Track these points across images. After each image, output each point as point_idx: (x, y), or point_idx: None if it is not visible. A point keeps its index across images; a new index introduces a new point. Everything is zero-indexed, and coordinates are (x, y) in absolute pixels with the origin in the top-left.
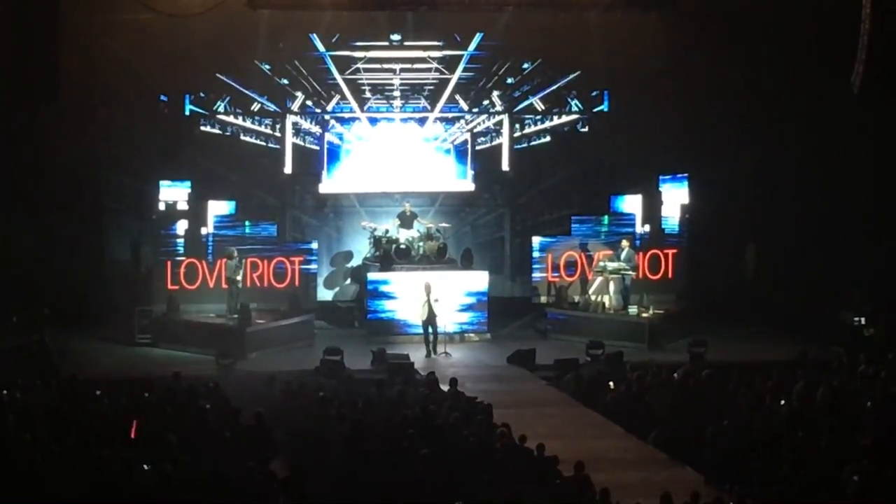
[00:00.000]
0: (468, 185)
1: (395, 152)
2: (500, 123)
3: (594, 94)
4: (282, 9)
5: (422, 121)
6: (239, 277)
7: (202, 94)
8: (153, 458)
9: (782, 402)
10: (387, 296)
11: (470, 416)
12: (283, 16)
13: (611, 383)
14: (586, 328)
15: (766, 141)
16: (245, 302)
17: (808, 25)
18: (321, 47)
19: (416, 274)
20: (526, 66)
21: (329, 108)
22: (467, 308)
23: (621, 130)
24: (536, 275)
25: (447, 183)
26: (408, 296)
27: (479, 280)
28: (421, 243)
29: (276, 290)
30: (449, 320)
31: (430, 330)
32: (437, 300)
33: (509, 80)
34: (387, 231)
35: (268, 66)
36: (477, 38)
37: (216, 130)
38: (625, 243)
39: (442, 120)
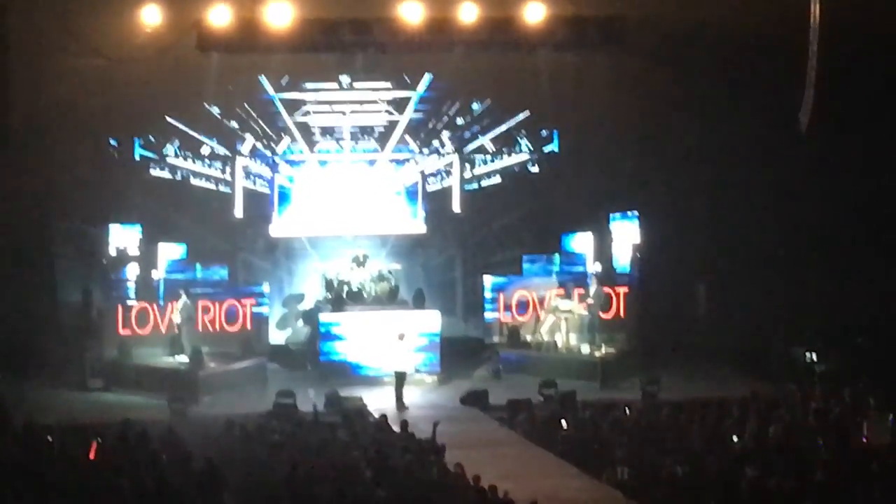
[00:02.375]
0: (419, 227)
1: (346, 194)
2: (450, 164)
3: (544, 133)
4: (230, 52)
5: (372, 162)
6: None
7: (152, 138)
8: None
9: (735, 439)
10: (339, 338)
11: (423, 458)
12: (232, 58)
13: (564, 422)
14: (539, 368)
15: (716, 177)
16: (197, 346)
17: (756, 64)
18: (270, 90)
19: (368, 315)
20: (476, 106)
21: (279, 150)
22: (420, 349)
23: (571, 169)
24: (489, 315)
25: (398, 224)
26: (360, 338)
27: (431, 321)
28: (373, 285)
29: (227, 334)
30: (401, 361)
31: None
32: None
33: (459, 121)
34: (338, 273)
35: (217, 109)
36: (426, 79)
37: (166, 174)
38: (594, 280)
39: (392, 161)
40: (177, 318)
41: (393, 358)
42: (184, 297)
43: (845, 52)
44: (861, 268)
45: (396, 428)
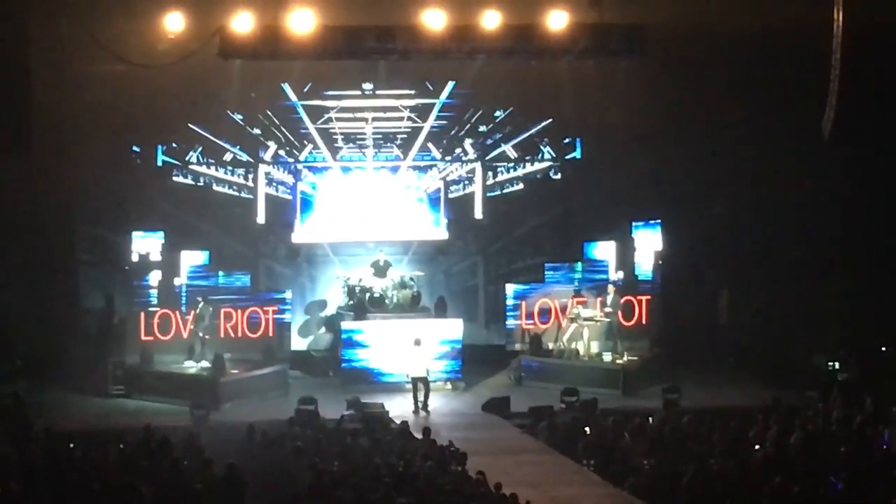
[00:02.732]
0: (441, 234)
1: (368, 201)
2: (472, 171)
3: (566, 141)
4: (253, 59)
5: (394, 169)
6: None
7: (175, 145)
8: None
9: (757, 447)
10: (360, 345)
11: (445, 465)
12: (255, 65)
13: (586, 429)
14: (561, 375)
15: (739, 186)
16: (219, 352)
17: (779, 72)
18: (293, 97)
19: (390, 322)
20: (498, 113)
21: (301, 157)
22: (442, 356)
23: (594, 177)
24: (510, 322)
25: (420, 231)
26: (381, 344)
27: (453, 328)
28: (395, 292)
29: (249, 340)
30: (417, 366)
31: (420, 386)
32: (426, 360)
33: (481, 128)
34: (360, 280)
35: (240, 116)
36: (449, 86)
37: (189, 181)
38: (611, 288)
39: (415, 168)
40: (195, 324)
41: (409, 363)
42: (202, 304)
43: (869, 59)
44: (884, 276)
45: (418, 434)
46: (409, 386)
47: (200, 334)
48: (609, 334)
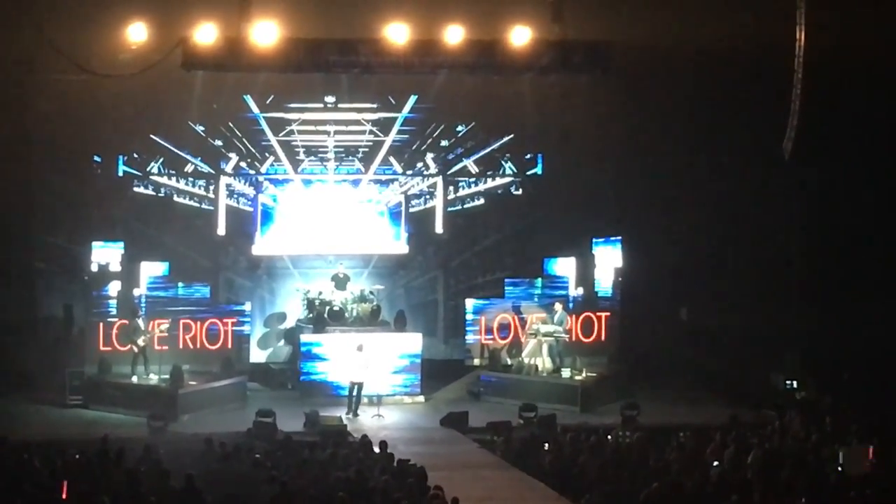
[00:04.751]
0: (402, 248)
1: (329, 214)
2: (433, 186)
3: (528, 157)
4: (216, 70)
5: (356, 182)
6: (140, 341)
7: (136, 155)
8: None
9: (715, 464)
10: (319, 358)
11: (402, 479)
12: (218, 77)
13: (545, 445)
14: (519, 391)
15: (699, 204)
16: (177, 363)
17: (740, 89)
18: (255, 109)
19: (349, 336)
20: (460, 128)
21: (263, 169)
22: (401, 370)
23: (555, 193)
24: (470, 337)
25: (381, 245)
26: (340, 358)
27: (412, 342)
28: (354, 305)
29: (208, 352)
30: (382, 382)
31: (356, 391)
32: (366, 366)
33: (443, 143)
34: (320, 293)
35: (202, 128)
36: (411, 100)
37: (150, 191)
38: (558, 306)
39: (376, 182)
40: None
41: (350, 369)
42: (138, 318)
43: (830, 79)
44: (842, 296)
45: (376, 448)
46: (367, 400)
47: (136, 348)
48: (559, 351)
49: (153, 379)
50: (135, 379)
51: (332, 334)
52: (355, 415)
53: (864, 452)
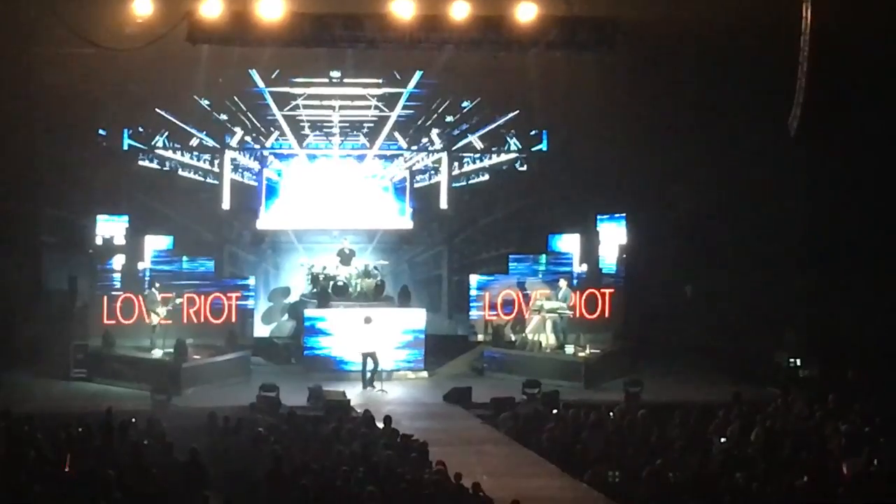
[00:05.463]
0: (406, 223)
1: (334, 189)
2: (438, 161)
3: (533, 133)
4: (221, 44)
5: (360, 158)
6: (160, 311)
7: (141, 129)
8: (89, 494)
9: (722, 439)
10: (323, 332)
11: (405, 454)
12: (223, 51)
13: (549, 421)
14: (523, 367)
15: (704, 181)
16: (181, 337)
17: (747, 67)
18: (260, 83)
19: (353, 311)
20: (465, 104)
21: (268, 144)
22: (404, 346)
23: (560, 170)
24: (474, 313)
25: (385, 220)
26: (344, 333)
27: (416, 317)
28: (358, 280)
29: (212, 326)
30: (386, 358)
31: (371, 364)
32: (376, 337)
33: (448, 119)
34: (324, 268)
35: (207, 102)
36: (417, 76)
37: (155, 165)
38: (562, 282)
39: (381, 157)
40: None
41: (360, 340)
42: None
43: (837, 56)
44: (848, 273)
45: (380, 423)
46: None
47: (156, 319)
48: (563, 328)
49: (157, 353)
50: (157, 352)
51: (336, 309)
52: (371, 387)
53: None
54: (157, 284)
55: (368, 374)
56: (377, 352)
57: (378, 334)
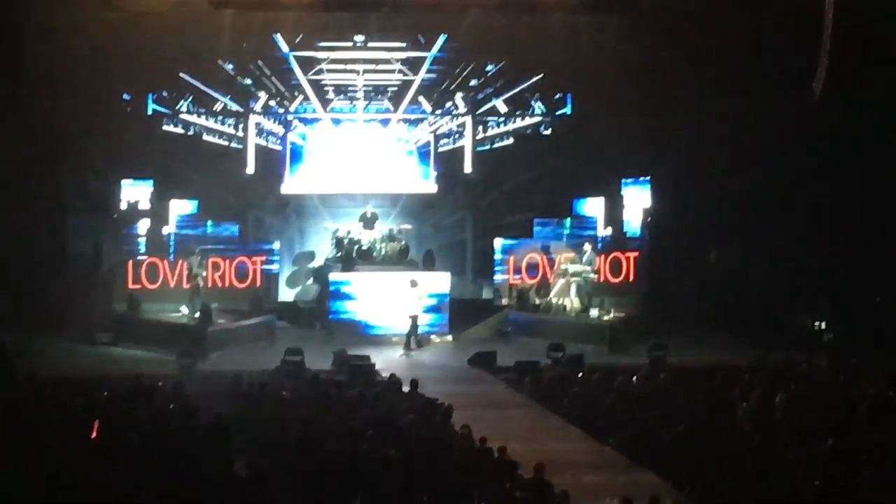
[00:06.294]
0: (431, 187)
1: (358, 153)
2: (462, 125)
3: (557, 97)
4: (245, 9)
5: (385, 122)
6: (204, 273)
7: (165, 94)
8: (114, 458)
9: (745, 403)
10: (348, 297)
11: (429, 418)
12: (247, 16)
13: (573, 385)
14: (547, 330)
15: (728, 144)
16: (206, 301)
17: (771, 30)
18: (285, 48)
19: (377, 275)
20: (489, 68)
21: (292, 108)
22: (429, 310)
23: (584, 133)
24: (498, 277)
25: (410, 184)
26: (369, 297)
27: (441, 281)
28: (383, 245)
29: (237, 290)
30: (413, 306)
31: (412, 322)
32: (420, 299)
33: (472, 83)
34: (349, 232)
35: (231, 66)
36: (441, 39)
37: (179, 130)
38: (587, 246)
39: (405, 121)
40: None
41: (405, 303)
42: (198, 255)
43: (861, 20)
44: (871, 238)
45: (405, 387)
46: (397, 339)
47: (196, 283)
48: (587, 290)
49: (197, 316)
50: (197, 316)
51: (360, 273)
52: (411, 348)
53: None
54: (198, 251)
55: (412, 336)
56: (418, 314)
57: (423, 296)
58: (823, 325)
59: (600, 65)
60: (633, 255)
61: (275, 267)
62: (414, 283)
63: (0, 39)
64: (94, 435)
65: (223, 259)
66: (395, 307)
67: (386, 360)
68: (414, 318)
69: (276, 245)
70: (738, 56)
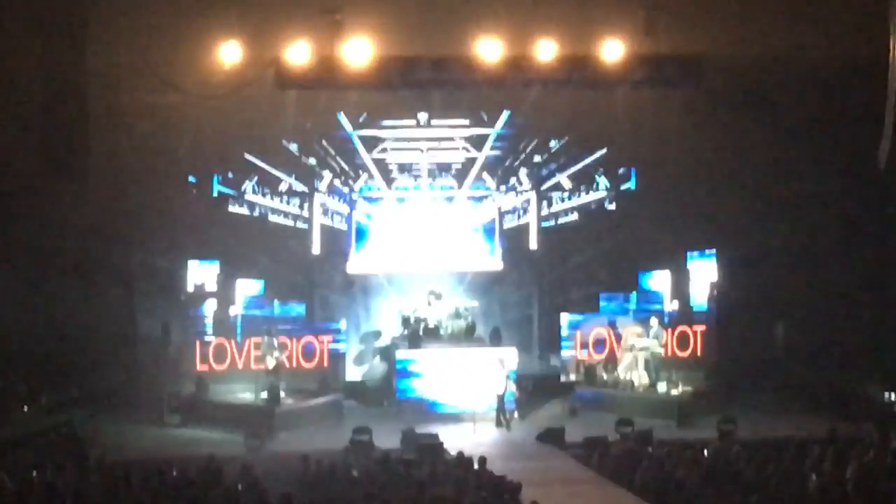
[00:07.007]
0: (496, 264)
1: (423, 231)
2: (527, 201)
3: (621, 171)
4: (309, 88)
5: (449, 199)
6: (276, 356)
7: (230, 175)
8: None
9: (815, 476)
10: (415, 374)
11: (498, 496)
12: (311, 95)
13: (642, 460)
14: (616, 406)
15: (794, 216)
16: (274, 382)
17: (834, 101)
18: (348, 126)
19: (444, 352)
20: (553, 143)
21: (357, 187)
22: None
23: (648, 207)
24: (565, 352)
25: (475, 261)
26: (436, 374)
27: (508, 357)
28: (449, 322)
29: (304, 370)
30: (479, 398)
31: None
32: (507, 377)
33: (536, 158)
34: (415, 310)
35: (295, 146)
36: (504, 116)
37: (244, 210)
38: (654, 320)
39: (470, 198)
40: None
41: (493, 381)
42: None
43: None
44: None
45: (475, 465)
46: (466, 416)
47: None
48: (655, 366)
49: (263, 397)
50: (263, 396)
51: (427, 350)
52: (507, 427)
53: None
54: (273, 332)
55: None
56: (504, 392)
57: (508, 375)
58: (894, 397)
59: (664, 138)
60: (700, 328)
61: (342, 346)
62: (502, 362)
63: (67, 123)
64: None
65: (290, 339)
66: (464, 385)
67: (454, 438)
68: (501, 397)
69: (343, 324)
70: (802, 127)
